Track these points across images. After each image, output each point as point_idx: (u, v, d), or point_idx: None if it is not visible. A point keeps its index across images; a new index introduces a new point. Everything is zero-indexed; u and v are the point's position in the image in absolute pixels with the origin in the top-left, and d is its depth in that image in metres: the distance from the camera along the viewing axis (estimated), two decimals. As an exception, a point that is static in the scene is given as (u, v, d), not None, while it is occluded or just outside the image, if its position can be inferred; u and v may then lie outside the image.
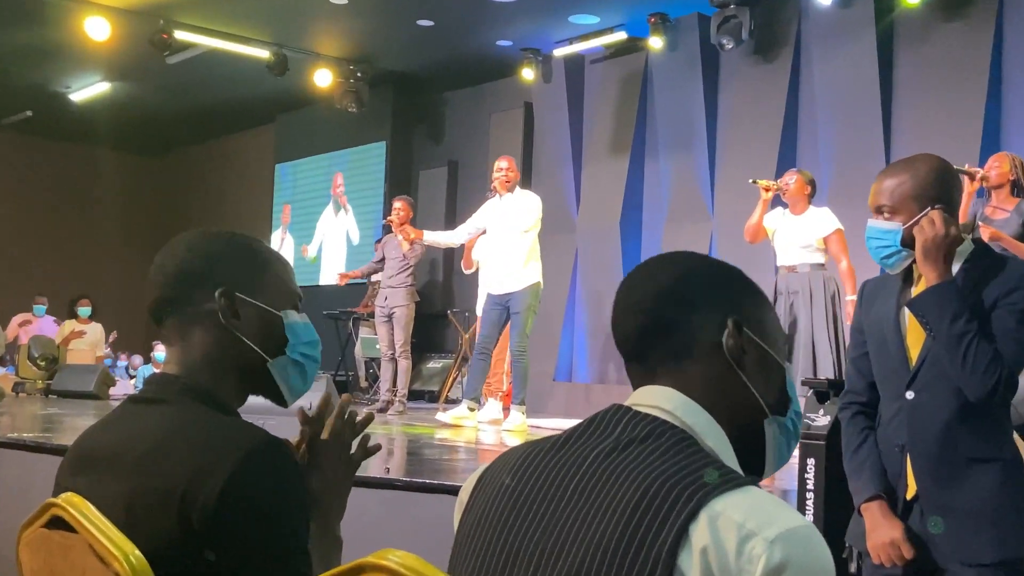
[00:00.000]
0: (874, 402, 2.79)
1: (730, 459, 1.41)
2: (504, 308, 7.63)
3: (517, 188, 7.80)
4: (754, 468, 1.46)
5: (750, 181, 7.01)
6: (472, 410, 7.77)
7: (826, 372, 6.37)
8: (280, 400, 1.81)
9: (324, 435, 1.87)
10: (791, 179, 6.86)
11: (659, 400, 1.43)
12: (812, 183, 6.89)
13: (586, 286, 11.26)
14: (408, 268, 9.32)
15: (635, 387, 1.47)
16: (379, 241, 10.40)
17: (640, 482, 1.30)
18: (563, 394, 11.04)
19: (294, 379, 1.80)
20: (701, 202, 10.35)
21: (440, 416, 7.97)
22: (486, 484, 1.46)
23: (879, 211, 2.65)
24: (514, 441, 6.64)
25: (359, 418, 1.93)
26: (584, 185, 11.47)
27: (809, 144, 9.70)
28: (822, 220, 6.77)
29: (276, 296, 1.79)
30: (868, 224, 2.66)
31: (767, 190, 6.80)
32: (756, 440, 1.46)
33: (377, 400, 9.57)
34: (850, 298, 6.49)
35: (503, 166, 7.78)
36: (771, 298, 6.52)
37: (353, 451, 1.89)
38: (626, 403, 1.45)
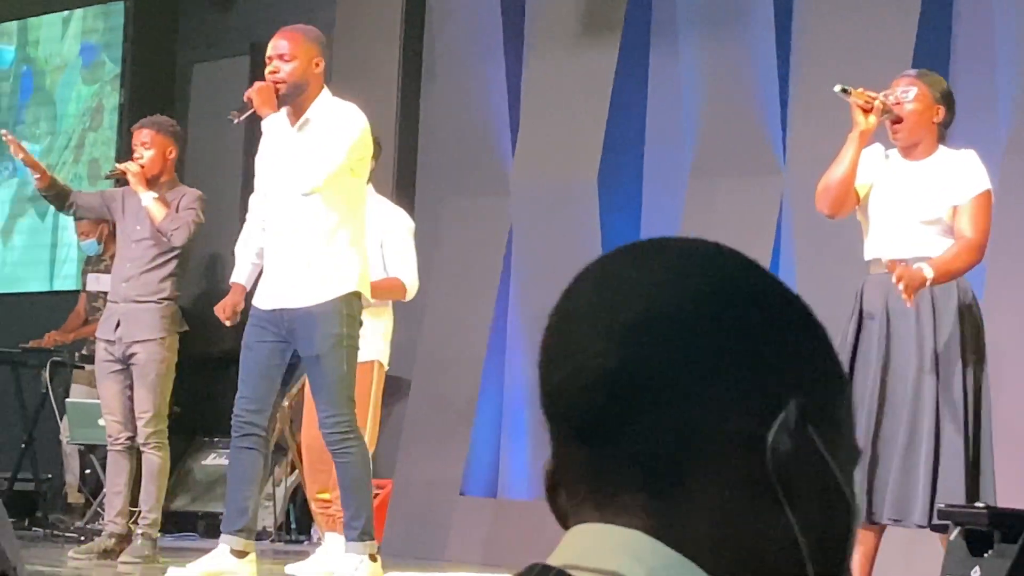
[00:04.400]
0: None
1: None
2: (282, 342, 6.87)
3: (322, 96, 6.88)
4: None
5: (835, 89, 6.28)
6: (243, 555, 6.93)
7: (955, 481, 5.67)
8: None
9: None
10: (908, 91, 6.05)
11: (618, 557, 1.05)
12: (947, 98, 6.07)
13: (532, 298, 9.99)
14: (166, 260, 8.10)
15: (575, 513, 1.10)
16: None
17: None
18: (481, 521, 9.76)
19: None
20: (761, 136, 9.20)
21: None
22: None
23: None
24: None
25: None
26: (528, 102, 10.07)
27: (973, 25, 8.43)
28: (965, 172, 5.98)
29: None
30: None
31: (867, 110, 5.97)
32: None
33: (100, 533, 8.50)
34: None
35: (282, 48, 6.85)
36: (852, 320, 5.93)
37: None
38: (553, 560, 1.08)
